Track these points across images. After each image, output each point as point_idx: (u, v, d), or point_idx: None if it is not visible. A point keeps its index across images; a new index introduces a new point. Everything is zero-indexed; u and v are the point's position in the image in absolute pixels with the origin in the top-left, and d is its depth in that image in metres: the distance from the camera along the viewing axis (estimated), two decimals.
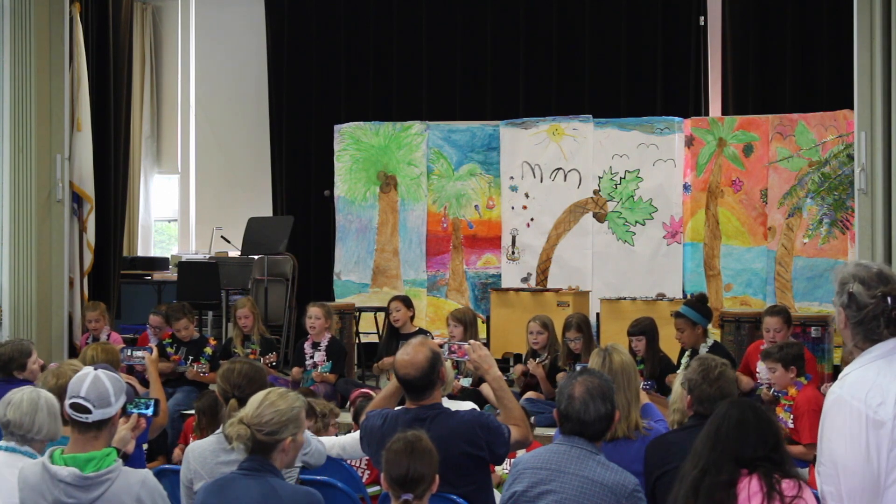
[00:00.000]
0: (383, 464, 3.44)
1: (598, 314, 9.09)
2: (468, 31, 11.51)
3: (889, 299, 2.76)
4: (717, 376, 3.94)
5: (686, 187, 9.75)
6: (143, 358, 5.76)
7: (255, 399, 3.54)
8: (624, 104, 10.79)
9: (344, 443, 4.82)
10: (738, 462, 3.05)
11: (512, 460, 4.60)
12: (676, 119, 9.84)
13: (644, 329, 7.02)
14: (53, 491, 3.34)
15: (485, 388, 6.68)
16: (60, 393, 3.95)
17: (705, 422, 3.25)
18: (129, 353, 6.00)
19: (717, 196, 9.65)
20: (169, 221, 13.87)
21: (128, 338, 9.09)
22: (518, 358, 8.24)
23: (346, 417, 6.46)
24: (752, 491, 2.95)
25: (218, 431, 4.10)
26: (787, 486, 3.02)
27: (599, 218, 9.96)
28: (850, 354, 2.86)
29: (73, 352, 8.50)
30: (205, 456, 4.03)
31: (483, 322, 9.37)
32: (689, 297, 8.03)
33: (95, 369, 3.53)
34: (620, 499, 3.41)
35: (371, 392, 5.96)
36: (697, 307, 7.02)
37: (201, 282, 10.12)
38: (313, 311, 7.94)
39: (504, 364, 8.42)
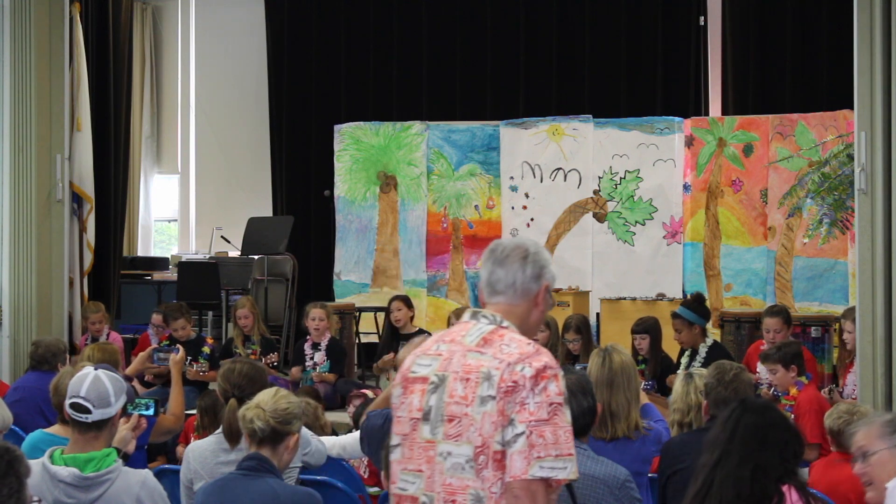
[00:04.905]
0: (383, 458, 3.46)
1: (598, 314, 9.08)
2: (468, 31, 11.51)
3: None
4: (732, 378, 4.03)
5: (686, 187, 9.75)
6: (167, 359, 5.70)
7: (268, 392, 3.58)
8: (624, 104, 10.79)
9: (344, 443, 4.82)
10: (783, 462, 2.98)
11: None
12: (676, 119, 9.84)
13: (648, 328, 7.02)
14: (53, 491, 3.33)
15: None
16: (60, 392, 3.95)
17: None
18: (157, 356, 5.97)
19: (717, 196, 9.65)
20: (169, 221, 13.86)
21: (127, 338, 9.08)
22: None
23: (344, 417, 6.46)
24: (793, 499, 2.94)
25: (218, 431, 4.11)
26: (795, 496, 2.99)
27: (599, 218, 9.96)
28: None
29: (73, 352, 8.49)
30: (205, 456, 4.03)
31: None
32: (686, 297, 8.04)
33: (96, 369, 3.52)
34: (613, 490, 3.43)
35: (368, 392, 5.96)
36: (694, 307, 7.03)
37: (201, 282, 10.10)
38: (316, 312, 7.91)
39: None
